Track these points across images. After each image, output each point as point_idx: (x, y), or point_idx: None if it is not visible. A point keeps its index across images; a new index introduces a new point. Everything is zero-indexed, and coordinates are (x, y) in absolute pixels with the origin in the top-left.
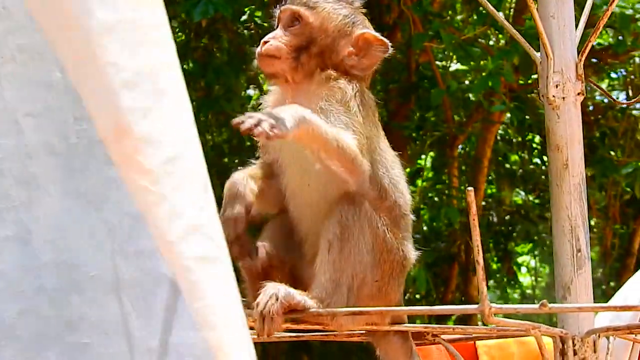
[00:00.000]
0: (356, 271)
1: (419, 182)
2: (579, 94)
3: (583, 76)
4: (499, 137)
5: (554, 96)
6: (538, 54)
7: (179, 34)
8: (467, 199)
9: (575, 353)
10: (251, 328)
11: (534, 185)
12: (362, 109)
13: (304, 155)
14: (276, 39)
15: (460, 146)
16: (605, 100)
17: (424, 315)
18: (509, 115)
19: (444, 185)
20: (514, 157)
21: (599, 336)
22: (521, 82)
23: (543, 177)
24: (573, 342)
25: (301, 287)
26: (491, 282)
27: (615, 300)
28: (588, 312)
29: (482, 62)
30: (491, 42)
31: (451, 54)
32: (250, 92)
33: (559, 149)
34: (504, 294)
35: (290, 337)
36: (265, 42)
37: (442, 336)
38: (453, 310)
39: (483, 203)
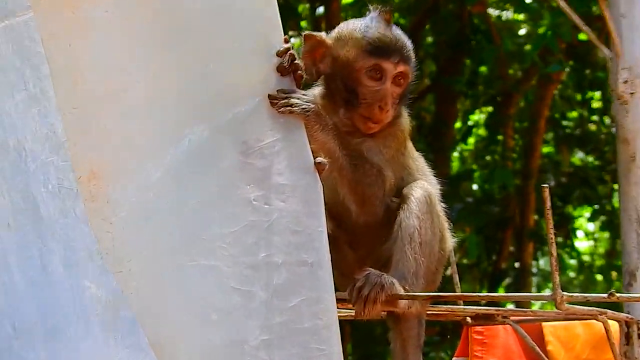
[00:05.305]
0: (428, 262)
1: (471, 140)
2: None
3: None
4: (557, 95)
5: (622, 92)
6: (607, 51)
7: None
8: (542, 195)
9: (639, 337)
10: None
11: (595, 146)
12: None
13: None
14: (388, 104)
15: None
16: None
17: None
18: (568, 70)
19: (498, 146)
20: (574, 114)
21: None
22: (582, 37)
23: (603, 136)
24: (638, 327)
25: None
26: (546, 248)
27: None
28: None
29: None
30: None
31: (507, 5)
32: None
33: (627, 142)
34: (561, 263)
35: None
36: (384, 110)
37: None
38: (527, 297)
39: (539, 163)
